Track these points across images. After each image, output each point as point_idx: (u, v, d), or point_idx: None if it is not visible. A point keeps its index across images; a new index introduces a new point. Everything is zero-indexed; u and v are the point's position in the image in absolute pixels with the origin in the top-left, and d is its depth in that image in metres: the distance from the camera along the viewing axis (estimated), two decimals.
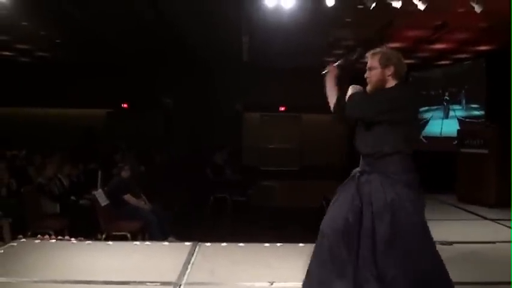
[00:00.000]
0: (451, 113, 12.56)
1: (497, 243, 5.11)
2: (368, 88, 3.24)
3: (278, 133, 15.09)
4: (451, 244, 4.97)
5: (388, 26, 8.81)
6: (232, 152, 12.46)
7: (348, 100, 3.20)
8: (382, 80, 3.16)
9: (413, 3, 6.65)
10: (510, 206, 7.37)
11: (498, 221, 6.36)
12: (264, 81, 13.67)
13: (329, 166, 13.65)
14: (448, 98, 12.72)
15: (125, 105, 14.43)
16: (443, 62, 12.64)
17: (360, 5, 6.99)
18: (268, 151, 14.74)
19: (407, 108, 3.11)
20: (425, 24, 8.74)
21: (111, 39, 10.50)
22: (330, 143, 14.35)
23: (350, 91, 3.25)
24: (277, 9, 7.37)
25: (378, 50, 3.24)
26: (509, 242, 5.22)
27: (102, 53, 11.97)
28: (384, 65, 3.13)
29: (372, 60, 3.20)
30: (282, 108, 14.74)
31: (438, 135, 12.85)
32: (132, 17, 8.56)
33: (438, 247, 4.76)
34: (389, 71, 3.13)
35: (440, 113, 12.92)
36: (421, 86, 13.50)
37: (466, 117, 11.98)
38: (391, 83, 3.16)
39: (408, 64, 11.39)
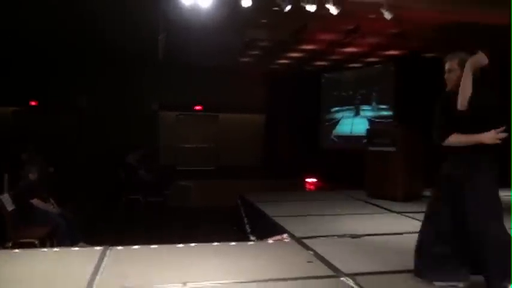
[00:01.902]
0: (361, 113, 13.14)
1: (404, 234, 5.42)
2: (447, 88, 3.63)
3: (195, 133, 14.99)
4: (360, 237, 5.21)
5: (302, 29, 9.05)
6: (147, 152, 12.21)
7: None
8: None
9: (326, 7, 6.87)
10: (415, 200, 7.91)
11: (404, 214, 6.76)
12: (181, 80, 13.54)
13: (245, 166, 13.81)
14: (358, 99, 13.30)
15: (34, 103, 13.64)
16: (354, 65, 13.17)
17: (275, 7, 7.11)
18: (184, 151, 14.61)
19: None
20: (338, 28, 9.06)
21: (22, 33, 9.92)
22: (247, 142, 14.51)
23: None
24: (194, 8, 7.30)
25: (455, 54, 3.63)
26: (415, 232, 5.56)
27: (10, 48, 11.27)
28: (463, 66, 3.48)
29: (451, 63, 3.61)
30: (199, 108, 14.68)
31: (349, 134, 13.40)
32: (45, 11, 8.14)
33: (348, 240, 5.02)
34: None
35: (351, 113, 13.48)
36: (333, 87, 14.02)
37: (375, 117, 12.59)
38: None
39: (321, 66, 11.81)
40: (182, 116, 14.89)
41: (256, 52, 11.56)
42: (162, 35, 9.40)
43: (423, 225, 3.75)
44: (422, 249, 3.69)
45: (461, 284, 3.54)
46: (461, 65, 3.52)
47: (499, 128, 3.36)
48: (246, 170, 13.21)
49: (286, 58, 12.42)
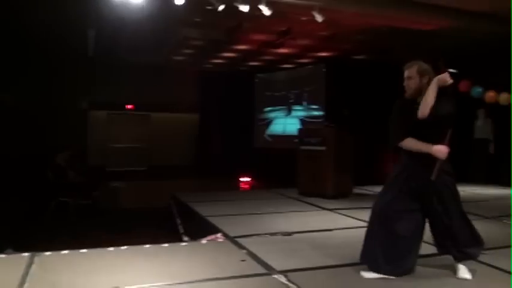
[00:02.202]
0: (294, 113, 13.40)
1: (334, 230, 5.61)
2: (406, 95, 3.87)
3: (126, 132, 14.66)
4: (292, 234, 5.32)
5: (235, 29, 9.09)
6: (76, 152, 11.80)
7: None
8: (420, 88, 3.79)
9: (259, 8, 6.95)
10: (345, 197, 8.19)
11: (335, 211, 6.98)
12: (111, 78, 13.20)
13: (178, 166, 13.70)
14: (291, 99, 13.54)
15: None
16: (287, 65, 13.39)
17: (209, 6, 7.10)
18: (115, 151, 14.26)
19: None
20: (270, 29, 9.18)
21: None
22: (179, 142, 14.39)
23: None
24: (125, 4, 7.16)
25: (414, 62, 3.87)
26: (345, 228, 5.77)
27: None
28: (421, 74, 3.79)
29: (409, 70, 3.84)
30: (130, 107, 14.38)
31: (281, 133, 13.62)
32: None
33: (279, 238, 5.10)
34: (425, 79, 3.78)
35: (283, 113, 13.71)
36: (266, 87, 14.19)
37: (306, 117, 12.87)
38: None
39: (254, 66, 11.92)
40: (113, 115, 14.52)
41: (190, 51, 11.49)
42: (91, 30, 9.12)
43: (377, 221, 3.87)
44: (373, 240, 3.87)
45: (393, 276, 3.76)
46: (420, 73, 3.79)
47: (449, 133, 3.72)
48: (179, 170, 13.10)
49: (220, 58, 12.43)
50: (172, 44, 10.70)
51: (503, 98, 10.14)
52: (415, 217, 3.80)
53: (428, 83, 3.76)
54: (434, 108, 3.63)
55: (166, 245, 4.89)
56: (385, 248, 3.75)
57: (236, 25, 8.85)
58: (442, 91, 3.75)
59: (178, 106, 14.23)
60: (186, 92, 14.32)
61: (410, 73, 3.83)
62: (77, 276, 3.77)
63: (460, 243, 3.80)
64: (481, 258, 4.41)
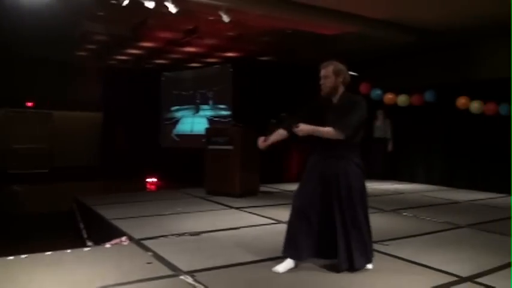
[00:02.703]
0: (201, 113, 13.36)
1: (241, 228, 5.67)
2: (322, 93, 4.02)
3: (26, 132, 13.77)
4: (199, 234, 5.30)
5: (141, 25, 8.88)
6: None
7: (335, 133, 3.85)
8: (335, 87, 3.97)
9: (165, 5, 6.84)
10: (252, 195, 8.31)
11: (242, 209, 7.06)
12: (9, 72, 12.31)
13: (82, 167, 13.13)
14: (198, 98, 13.49)
15: None
16: (194, 64, 13.31)
17: (113, 0, 6.88)
18: (14, 152, 13.35)
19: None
20: (177, 27, 9.07)
21: None
22: (84, 142, 13.80)
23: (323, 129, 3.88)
24: None
25: (329, 62, 3.99)
26: (253, 226, 5.85)
27: None
28: (337, 74, 3.94)
29: (325, 70, 3.95)
30: (30, 104, 13.52)
31: (189, 133, 13.53)
32: None
33: (187, 238, 5.07)
34: (340, 78, 3.96)
35: (191, 112, 13.63)
36: (173, 86, 14.01)
37: (214, 117, 12.89)
38: (341, 89, 4.00)
39: (160, 64, 11.70)
40: (12, 113, 13.57)
41: (94, 46, 11.05)
42: None
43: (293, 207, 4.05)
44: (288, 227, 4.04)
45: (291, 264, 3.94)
46: (335, 72, 3.95)
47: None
48: (84, 171, 12.57)
49: (125, 54, 12.08)
50: (75, 39, 10.22)
51: (401, 99, 10.81)
52: (328, 208, 3.92)
53: (344, 82, 3.98)
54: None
55: (68, 251, 4.66)
56: (305, 237, 3.91)
57: (141, 21, 8.64)
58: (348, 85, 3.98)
59: (82, 104, 13.63)
60: (90, 90, 13.75)
61: (326, 72, 3.96)
62: None
63: (349, 250, 3.88)
64: (384, 249, 4.72)
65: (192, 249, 4.66)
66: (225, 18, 7.34)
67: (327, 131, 3.84)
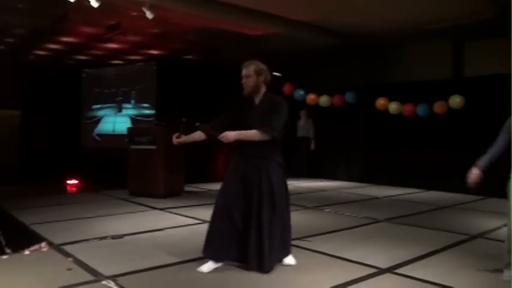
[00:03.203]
0: (124, 112, 13.02)
1: (165, 230, 5.59)
2: (244, 92, 4.07)
3: None
4: (122, 237, 5.17)
5: (61, 19, 8.51)
6: None
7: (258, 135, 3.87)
8: (257, 86, 4.03)
9: None
10: (176, 196, 8.24)
11: (166, 210, 6.96)
12: None
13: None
14: (121, 97, 13.13)
15: None
16: (117, 62, 12.95)
17: None
18: None
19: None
20: (99, 22, 8.77)
21: None
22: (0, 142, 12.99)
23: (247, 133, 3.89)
24: None
25: (251, 61, 4.04)
26: (177, 227, 5.78)
27: None
28: (258, 73, 3.99)
29: (247, 69, 4.00)
30: None
31: (111, 132, 13.14)
32: None
33: (110, 241, 4.92)
34: (262, 78, 4.01)
35: (113, 111, 13.24)
36: (95, 84, 13.55)
37: (137, 116, 12.61)
38: (263, 88, 4.06)
39: (82, 61, 11.25)
40: None
41: (11, 39, 10.43)
42: None
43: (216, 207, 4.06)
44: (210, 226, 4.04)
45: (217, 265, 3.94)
46: (257, 72, 3.99)
47: None
48: (0, 173, 11.82)
49: (44, 49, 11.50)
50: None
51: (323, 100, 11.11)
52: (249, 209, 3.94)
53: (265, 82, 4.04)
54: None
55: None
56: (226, 239, 3.92)
57: (62, 15, 8.27)
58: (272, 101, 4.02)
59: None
60: (6, 86, 12.97)
61: (248, 72, 4.00)
62: None
63: (265, 251, 3.85)
64: (306, 245, 4.83)
65: (115, 252, 4.53)
66: (149, 15, 7.20)
67: (253, 134, 3.85)
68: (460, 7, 7.58)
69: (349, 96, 10.76)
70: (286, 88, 11.51)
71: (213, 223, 4.01)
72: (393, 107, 9.96)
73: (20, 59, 12.55)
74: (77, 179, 10.42)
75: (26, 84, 13.32)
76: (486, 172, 4.00)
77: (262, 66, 4.05)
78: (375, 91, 10.41)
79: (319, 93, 11.20)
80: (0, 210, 7.07)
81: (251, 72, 4.00)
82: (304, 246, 4.85)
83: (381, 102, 10.15)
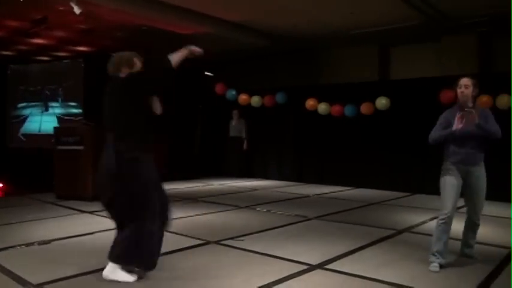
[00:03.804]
0: (50, 110, 12.51)
1: (95, 233, 5.46)
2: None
3: None
4: (50, 242, 4.99)
5: None
6: None
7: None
8: None
9: None
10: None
11: (95, 213, 6.77)
12: None
13: None
14: (47, 95, 12.60)
15: None
16: (43, 58, 12.43)
17: None
18: None
19: None
20: (25, 15, 8.39)
21: None
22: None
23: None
24: None
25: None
26: (106, 230, 5.62)
27: None
28: None
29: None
30: None
31: (37, 132, 12.59)
32: None
33: (36, 248, 4.73)
34: None
35: (39, 110, 12.69)
36: (20, 81, 12.92)
37: (64, 115, 12.16)
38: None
39: (6, 56, 10.72)
40: None
41: None
42: None
43: None
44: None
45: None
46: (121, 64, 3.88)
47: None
48: None
49: None
50: None
51: (255, 100, 11.23)
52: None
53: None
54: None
55: None
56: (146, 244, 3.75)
57: None
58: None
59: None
60: None
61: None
62: None
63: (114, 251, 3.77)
64: (238, 244, 4.89)
65: (42, 259, 4.36)
66: (76, 10, 6.99)
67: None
68: (386, 14, 7.94)
69: (279, 97, 10.95)
70: (218, 88, 11.54)
71: (155, 232, 3.79)
72: (322, 107, 10.24)
73: None
74: (1, 182, 9.90)
75: None
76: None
77: (127, 56, 3.99)
78: (304, 92, 10.66)
79: (251, 94, 11.32)
80: None
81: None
82: (236, 245, 4.90)
83: (310, 103, 10.40)
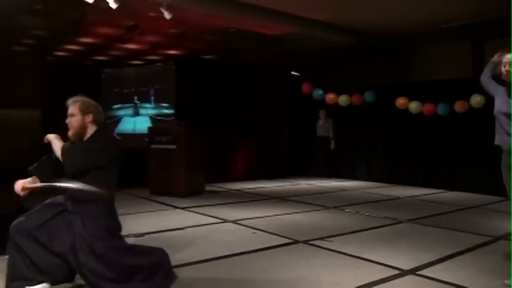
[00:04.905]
0: (143, 111, 13.09)
1: (186, 228, 5.61)
2: (69, 133, 3.52)
3: None
4: (144, 235, 5.19)
5: (80, 20, 8.58)
6: None
7: (62, 156, 3.48)
8: (83, 127, 3.48)
9: (105, 0, 6.64)
10: (197, 195, 8.26)
11: (187, 209, 6.99)
12: None
13: (20, 168, 12.50)
14: (140, 97, 13.20)
15: None
16: (136, 62, 13.03)
17: None
18: None
19: (103, 155, 3.43)
20: (117, 23, 8.83)
21: None
22: (21, 142, 13.15)
23: (57, 147, 3.57)
24: None
25: (77, 98, 3.51)
26: (197, 226, 5.80)
27: None
28: (84, 112, 3.45)
29: (72, 107, 3.47)
30: None
31: (131, 132, 13.23)
32: None
33: (131, 240, 4.93)
34: (89, 118, 3.46)
35: (133, 111, 13.33)
36: (114, 84, 13.66)
37: (157, 116, 12.67)
38: (91, 129, 3.50)
39: (101, 61, 11.31)
40: None
41: (30, 41, 10.56)
42: None
43: None
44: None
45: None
46: (82, 110, 3.47)
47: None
48: (22, 173, 11.93)
49: (64, 50, 11.63)
50: (11, 33, 9.72)
51: (342, 99, 11.04)
52: None
53: (93, 122, 3.50)
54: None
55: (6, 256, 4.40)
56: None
57: (81, 16, 8.34)
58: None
59: (17, 101, 12.96)
60: (25, 86, 13.12)
61: (73, 110, 3.48)
62: None
63: None
64: (328, 245, 4.80)
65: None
66: (167, 15, 7.21)
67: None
68: (475, 5, 7.47)
69: (368, 96, 10.68)
70: (305, 87, 11.46)
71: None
72: (413, 106, 9.85)
73: (39, 60, 12.70)
74: None
75: (45, 84, 13.47)
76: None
77: (89, 104, 3.54)
78: (394, 90, 10.31)
79: (338, 93, 11.13)
80: (23, 208, 7.15)
81: (76, 111, 3.48)
82: (325, 246, 4.82)
83: (400, 101, 10.04)
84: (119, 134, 13.60)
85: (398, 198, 8.62)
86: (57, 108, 13.57)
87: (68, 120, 3.52)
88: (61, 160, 3.49)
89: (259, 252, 4.54)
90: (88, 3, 6.59)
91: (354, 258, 4.40)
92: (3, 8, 7.67)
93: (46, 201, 3.64)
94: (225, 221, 6.13)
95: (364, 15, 8.16)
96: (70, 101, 3.52)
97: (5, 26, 9.07)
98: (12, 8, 7.72)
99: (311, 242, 4.99)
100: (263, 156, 12.02)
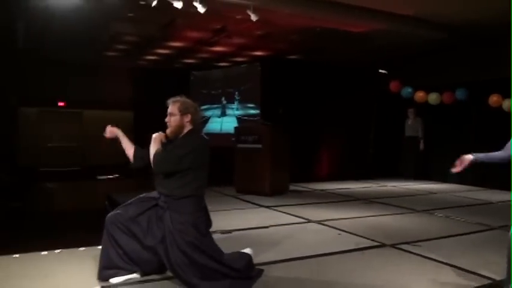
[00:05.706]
0: (230, 111, 13.41)
1: (270, 227, 5.69)
2: (167, 131, 3.70)
3: (58, 130, 14.06)
4: (231, 232, 5.34)
5: (170, 25, 8.96)
6: (4, 151, 11.18)
7: (152, 158, 3.64)
8: (181, 126, 3.65)
9: (194, 5, 6.89)
10: (282, 194, 8.33)
11: (272, 208, 7.08)
12: (43, 73, 12.56)
13: (112, 165, 13.29)
14: (227, 97, 13.53)
15: None
16: (223, 63, 13.36)
17: (142, 1, 6.97)
18: (47, 150, 13.64)
19: (198, 157, 3.60)
20: (205, 26, 9.11)
21: None
22: (113, 140, 13.95)
23: (152, 149, 3.69)
24: None
25: (177, 98, 3.69)
26: (282, 225, 5.86)
27: None
28: (183, 112, 3.62)
29: (172, 107, 3.65)
30: (62, 104, 13.79)
31: (219, 132, 13.60)
32: None
33: (219, 236, 5.10)
34: (187, 118, 3.64)
35: (220, 111, 13.70)
36: (202, 85, 14.10)
37: (243, 116, 12.93)
38: (187, 128, 3.67)
39: (189, 64, 11.70)
40: (44, 112, 13.86)
41: (123, 46, 11.20)
42: (21, 22, 8.69)
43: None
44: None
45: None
46: (181, 111, 3.64)
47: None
48: (115, 169, 12.69)
49: (154, 54, 12.21)
50: (105, 40, 10.38)
51: (432, 97, 10.63)
52: None
53: (191, 122, 3.67)
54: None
55: (99, 247, 4.74)
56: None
57: (170, 21, 8.71)
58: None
59: (111, 103, 13.80)
60: (119, 89, 13.91)
61: (172, 110, 3.66)
62: (9, 283, 3.60)
63: None
64: (415, 249, 4.67)
65: (224, 247, 4.67)
66: (253, 17, 7.34)
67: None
68: None
69: (459, 93, 10.19)
70: (393, 86, 11.16)
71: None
72: (507, 104, 9.26)
73: (131, 64, 13.41)
74: None
75: (137, 86, 14.19)
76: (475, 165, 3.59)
77: (189, 104, 3.71)
78: (487, 87, 9.74)
79: (428, 91, 10.72)
80: (116, 203, 7.56)
81: (175, 111, 3.66)
82: (413, 251, 4.69)
83: (493, 99, 9.49)
84: (206, 134, 14.05)
85: (491, 203, 8.16)
86: (148, 109, 14.27)
87: (167, 119, 3.68)
88: (151, 163, 3.65)
89: (344, 254, 4.51)
90: (177, 8, 6.87)
91: (441, 264, 4.24)
92: (98, 17, 8.19)
93: (140, 195, 3.84)
94: (309, 221, 6.14)
95: (453, 7, 7.78)
96: (170, 101, 3.70)
97: (99, 34, 9.69)
98: (106, 15, 8.22)
99: (398, 246, 4.87)
100: (349, 156, 11.87)
